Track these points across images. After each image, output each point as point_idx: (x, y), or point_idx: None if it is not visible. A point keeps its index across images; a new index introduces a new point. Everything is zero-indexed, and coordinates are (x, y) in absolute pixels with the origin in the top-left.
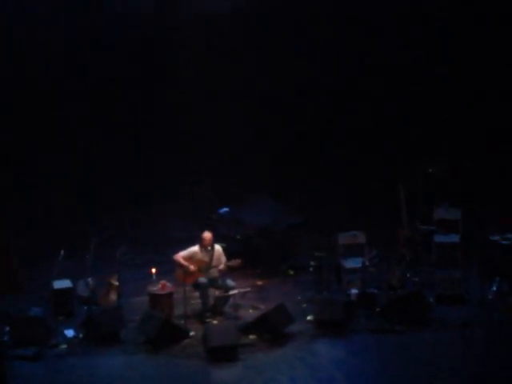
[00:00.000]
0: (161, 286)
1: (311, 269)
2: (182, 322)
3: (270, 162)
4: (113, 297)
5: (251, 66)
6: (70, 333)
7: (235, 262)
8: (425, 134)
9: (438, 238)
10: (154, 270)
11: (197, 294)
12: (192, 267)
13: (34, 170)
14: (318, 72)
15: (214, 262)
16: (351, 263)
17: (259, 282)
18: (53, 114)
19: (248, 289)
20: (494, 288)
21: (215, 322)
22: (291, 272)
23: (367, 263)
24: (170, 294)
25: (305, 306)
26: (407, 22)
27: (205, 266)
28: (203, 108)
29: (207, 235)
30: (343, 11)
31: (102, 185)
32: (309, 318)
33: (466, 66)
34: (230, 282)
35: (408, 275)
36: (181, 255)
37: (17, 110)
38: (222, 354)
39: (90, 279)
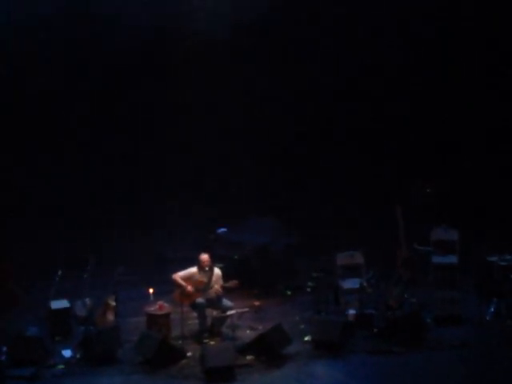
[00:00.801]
0: (158, 307)
1: (309, 289)
2: (180, 342)
3: (269, 180)
4: (110, 317)
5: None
6: (67, 353)
7: (232, 283)
8: (423, 153)
9: (436, 259)
10: (151, 291)
11: (194, 314)
12: (189, 287)
13: (32, 189)
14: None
15: (212, 283)
16: (349, 284)
17: (257, 303)
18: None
19: (245, 309)
20: (492, 309)
21: (212, 342)
22: (289, 292)
23: (365, 284)
24: (167, 315)
25: (302, 326)
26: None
27: (203, 287)
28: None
29: (204, 257)
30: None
31: (99, 205)
32: (306, 338)
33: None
34: (227, 303)
35: (406, 296)
36: (179, 275)
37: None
38: (220, 375)
39: (87, 299)
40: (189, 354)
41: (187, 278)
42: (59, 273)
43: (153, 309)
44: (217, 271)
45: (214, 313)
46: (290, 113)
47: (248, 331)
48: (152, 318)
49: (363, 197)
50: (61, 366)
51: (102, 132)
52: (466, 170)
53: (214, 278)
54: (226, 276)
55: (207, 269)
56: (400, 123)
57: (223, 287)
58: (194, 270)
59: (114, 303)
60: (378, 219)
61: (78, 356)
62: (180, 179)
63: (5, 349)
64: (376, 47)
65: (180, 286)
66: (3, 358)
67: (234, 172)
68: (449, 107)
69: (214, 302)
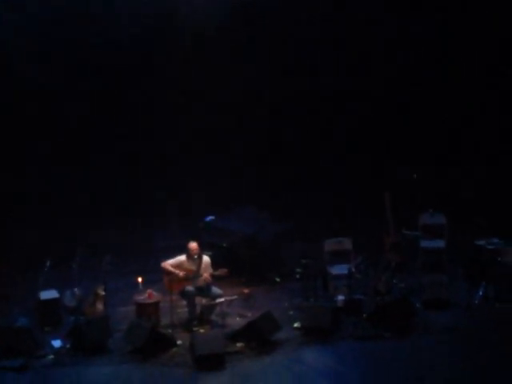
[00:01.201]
0: (147, 295)
1: (298, 276)
2: (169, 330)
3: (257, 168)
4: (99, 306)
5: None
6: (56, 343)
7: (221, 271)
8: (410, 139)
9: (424, 244)
10: (140, 280)
11: (184, 302)
12: (181, 273)
13: (21, 181)
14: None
15: (201, 271)
16: (338, 270)
17: (246, 290)
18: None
19: (235, 297)
20: (480, 293)
21: (202, 330)
22: (278, 279)
23: (353, 270)
24: (156, 303)
25: (292, 313)
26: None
27: (192, 275)
28: (197, 114)
29: (193, 245)
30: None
31: (88, 194)
32: (296, 325)
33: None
34: (216, 291)
35: (394, 281)
36: (168, 263)
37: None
38: (210, 363)
39: (76, 289)
40: (179, 342)
41: (176, 266)
42: (48, 263)
43: (142, 298)
44: (206, 259)
45: (204, 301)
46: (274, 98)
47: (237, 319)
48: (141, 307)
49: (351, 183)
50: (50, 357)
51: (93, 120)
52: (453, 156)
53: (202, 266)
54: (214, 264)
55: (196, 257)
56: (388, 111)
57: (212, 275)
58: (182, 258)
59: (103, 293)
60: (366, 205)
61: (67, 346)
62: (170, 168)
63: None
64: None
65: (170, 273)
66: None
67: (218, 159)
68: (436, 96)
69: (204, 290)
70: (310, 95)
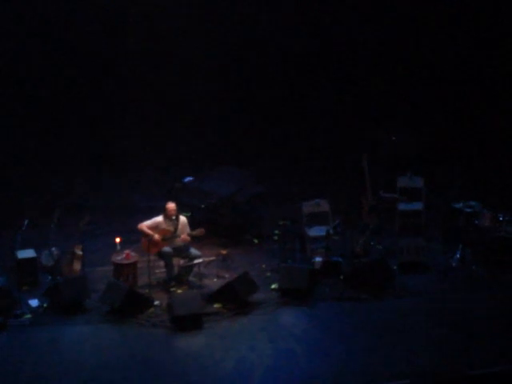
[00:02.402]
0: (125, 256)
1: (275, 237)
2: (147, 291)
3: (235, 130)
4: (77, 266)
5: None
6: (34, 302)
7: (199, 232)
8: (389, 102)
9: (402, 206)
10: (118, 240)
11: (161, 263)
12: (156, 236)
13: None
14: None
15: (179, 232)
16: (315, 232)
17: (223, 251)
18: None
19: (212, 258)
20: (457, 256)
21: (180, 291)
22: (255, 241)
23: (331, 231)
24: (134, 264)
25: (269, 274)
26: None
27: (169, 236)
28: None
29: (171, 205)
30: None
31: (65, 154)
32: (273, 286)
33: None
34: (194, 251)
35: (372, 243)
36: (145, 224)
37: None
38: (187, 323)
39: (53, 249)
40: (156, 302)
41: (153, 228)
42: (25, 222)
43: (120, 258)
44: (182, 219)
45: (181, 261)
46: (258, 57)
47: (215, 279)
48: (119, 268)
49: (330, 145)
50: (28, 316)
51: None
52: (434, 119)
53: (180, 227)
54: (192, 225)
55: (174, 218)
56: (369, 73)
57: (190, 235)
58: (159, 219)
59: (80, 253)
60: (344, 167)
61: (45, 305)
62: (149, 126)
63: None
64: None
65: (147, 235)
66: None
67: (200, 120)
68: (418, 60)
69: (181, 251)
70: (292, 55)
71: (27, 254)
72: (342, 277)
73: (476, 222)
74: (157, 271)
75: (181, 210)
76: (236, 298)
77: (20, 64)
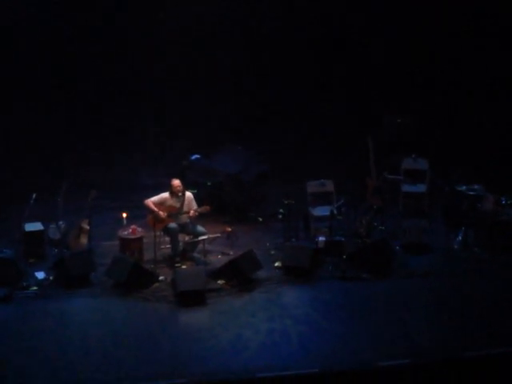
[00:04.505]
0: (131, 231)
1: (280, 216)
2: (152, 266)
3: (243, 110)
4: (83, 240)
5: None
6: (40, 275)
7: (204, 208)
8: (395, 84)
9: (405, 188)
10: (124, 215)
11: (167, 239)
12: (161, 213)
13: (7, 117)
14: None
15: (185, 208)
16: (319, 211)
17: (228, 229)
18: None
19: (217, 235)
20: (460, 237)
21: (184, 266)
22: (260, 219)
23: (335, 211)
24: (140, 239)
25: (273, 252)
26: None
27: (175, 212)
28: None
29: (176, 182)
30: None
31: (73, 130)
32: (277, 264)
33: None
34: (199, 228)
35: (375, 224)
36: (151, 200)
37: None
38: (191, 299)
39: (61, 222)
40: (161, 277)
41: (160, 203)
42: (33, 196)
43: (126, 233)
44: (188, 195)
45: (186, 238)
46: (262, 43)
47: (219, 256)
48: (125, 242)
49: (335, 126)
50: (34, 288)
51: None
52: (437, 102)
53: (185, 203)
54: (198, 202)
55: (180, 194)
56: (374, 57)
57: (196, 211)
58: (166, 195)
59: (87, 227)
60: (350, 148)
61: (51, 278)
62: (155, 106)
63: None
64: None
65: (152, 211)
66: None
67: (206, 101)
68: (422, 45)
69: (187, 227)
70: (298, 41)
71: (35, 227)
72: (344, 256)
73: (479, 205)
74: (162, 247)
75: (187, 187)
76: (240, 275)
77: (27, 37)
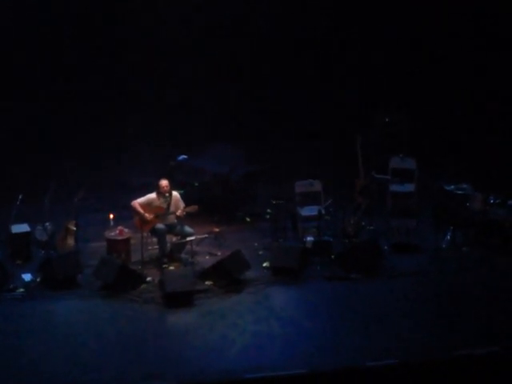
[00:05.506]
0: (118, 232)
1: (268, 216)
2: (139, 267)
3: (232, 109)
4: (70, 241)
5: None
6: (27, 277)
7: (192, 208)
8: (383, 84)
9: (393, 188)
10: (111, 216)
11: (154, 240)
12: (147, 215)
13: None
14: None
15: (172, 209)
16: (307, 211)
17: (216, 229)
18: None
19: (205, 235)
20: (448, 237)
21: (172, 267)
22: (248, 219)
23: (323, 211)
24: (127, 240)
25: (261, 252)
26: None
27: (162, 213)
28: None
29: (164, 182)
30: None
31: (60, 129)
32: (265, 264)
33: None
34: (187, 229)
35: (363, 224)
36: (138, 202)
37: None
38: (178, 300)
39: (47, 224)
40: (148, 279)
41: (147, 205)
42: (20, 197)
43: (113, 234)
44: (175, 194)
45: (174, 239)
46: (258, 42)
47: (207, 257)
48: (112, 243)
49: (323, 126)
50: (21, 290)
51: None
52: (426, 102)
53: (172, 202)
54: (186, 203)
55: (167, 195)
56: (363, 55)
57: (184, 210)
58: (153, 196)
59: (74, 228)
60: (337, 148)
61: (38, 280)
62: (144, 105)
63: None
64: None
65: (139, 212)
66: None
67: (196, 98)
68: (412, 44)
69: (174, 228)
70: (288, 42)
71: (21, 228)
72: (332, 256)
73: (467, 204)
74: (149, 248)
75: (174, 187)
76: (228, 275)
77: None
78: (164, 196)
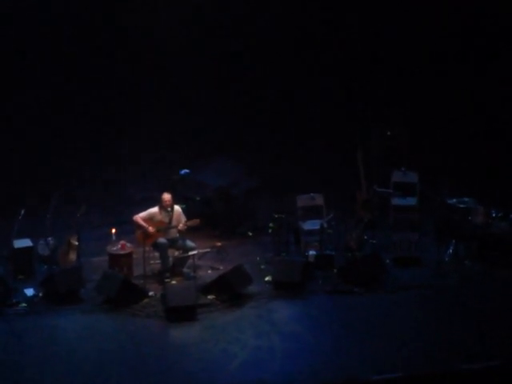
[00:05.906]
0: (120, 246)
1: (270, 230)
2: (142, 281)
3: (232, 123)
4: (72, 256)
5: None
6: (29, 292)
7: (194, 222)
8: (385, 97)
9: (396, 201)
10: (113, 230)
11: (156, 254)
12: (150, 228)
13: None
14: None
15: (174, 223)
16: (309, 225)
17: (218, 243)
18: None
19: (207, 250)
20: (450, 251)
21: (174, 282)
22: (250, 233)
23: (325, 225)
24: (129, 254)
25: (263, 267)
26: None
27: (164, 227)
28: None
29: (166, 196)
30: None
31: (63, 145)
32: (267, 278)
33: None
34: (189, 243)
35: (365, 237)
36: (140, 216)
37: None
38: (181, 314)
39: (50, 239)
40: (150, 293)
41: (149, 219)
42: (22, 212)
43: (115, 248)
44: (177, 208)
45: (176, 253)
46: (255, 54)
47: (209, 271)
48: (114, 258)
49: (325, 139)
50: (23, 305)
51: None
52: (427, 115)
53: (174, 217)
54: (187, 217)
55: (169, 209)
56: (366, 68)
57: (186, 223)
58: (155, 210)
59: (76, 243)
60: (339, 161)
61: (40, 295)
62: (145, 120)
63: None
64: None
65: (141, 227)
66: None
67: (197, 112)
68: (411, 56)
69: (176, 242)
70: (291, 47)
71: (24, 243)
72: (335, 270)
73: (469, 217)
74: (152, 262)
75: (177, 201)
76: (230, 289)
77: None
78: (166, 210)
